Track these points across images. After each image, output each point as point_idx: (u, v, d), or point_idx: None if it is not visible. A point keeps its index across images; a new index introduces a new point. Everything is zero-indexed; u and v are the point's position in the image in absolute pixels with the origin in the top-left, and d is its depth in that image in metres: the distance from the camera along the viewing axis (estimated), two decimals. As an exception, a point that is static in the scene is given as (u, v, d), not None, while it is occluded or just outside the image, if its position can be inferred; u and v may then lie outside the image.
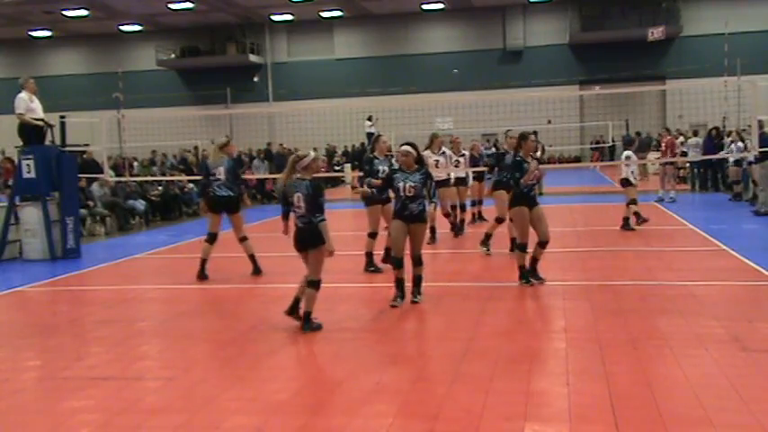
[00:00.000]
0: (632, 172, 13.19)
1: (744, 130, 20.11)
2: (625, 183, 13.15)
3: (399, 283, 7.73)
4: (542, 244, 8.40)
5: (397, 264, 7.68)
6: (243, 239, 9.95)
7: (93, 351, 6.75)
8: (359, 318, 7.37)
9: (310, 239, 6.70)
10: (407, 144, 7.86)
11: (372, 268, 9.72)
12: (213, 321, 7.60)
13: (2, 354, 6.74)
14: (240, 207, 9.96)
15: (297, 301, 6.90)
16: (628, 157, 13.57)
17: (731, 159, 17.95)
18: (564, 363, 5.70)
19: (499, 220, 11.00)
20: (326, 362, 5.74)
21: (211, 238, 9.80)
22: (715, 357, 5.67)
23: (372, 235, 9.74)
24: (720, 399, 4.80)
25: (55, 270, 11.20)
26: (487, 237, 10.97)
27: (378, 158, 9.70)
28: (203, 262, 9.79)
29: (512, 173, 8.55)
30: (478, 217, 14.74)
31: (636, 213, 12.86)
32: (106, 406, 5.16)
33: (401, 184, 7.62)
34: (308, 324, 6.69)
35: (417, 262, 7.75)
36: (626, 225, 12.83)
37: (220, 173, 9.70)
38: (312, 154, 6.86)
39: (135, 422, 4.81)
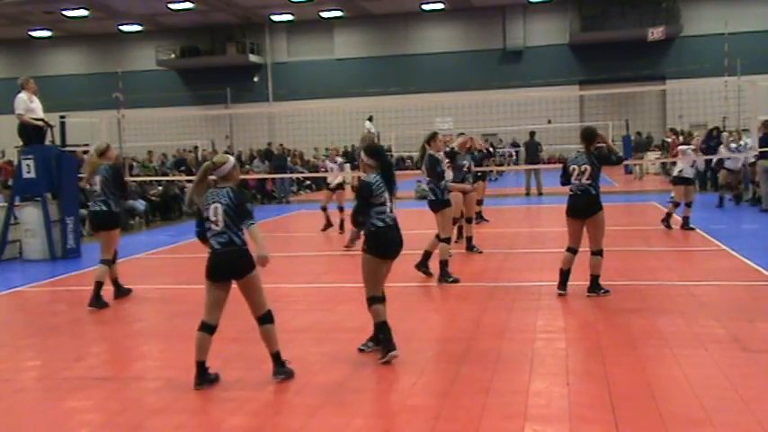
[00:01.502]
0: (682, 169, 12.79)
1: (745, 130, 20.11)
2: (681, 181, 12.78)
3: (383, 329, 5.87)
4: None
5: (380, 300, 5.93)
6: (104, 261, 8.54)
7: (93, 351, 6.76)
8: (358, 318, 7.35)
9: (235, 266, 5.32)
10: (369, 148, 6.23)
11: (450, 279, 8.88)
12: (213, 321, 7.58)
13: (2, 354, 6.74)
14: (118, 224, 8.67)
15: (202, 367, 5.37)
16: (683, 153, 13.23)
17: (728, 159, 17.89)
18: (564, 363, 5.70)
19: (469, 220, 11.01)
20: (326, 362, 5.74)
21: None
22: (715, 357, 5.66)
23: (447, 240, 8.99)
24: (720, 399, 4.80)
25: (55, 270, 11.20)
26: (469, 240, 11.01)
27: (440, 157, 9.09)
28: (115, 284, 8.74)
29: (615, 162, 8.14)
30: (479, 217, 14.68)
31: (668, 215, 12.65)
32: (106, 406, 5.16)
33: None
34: (281, 369, 5.42)
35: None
36: (686, 224, 12.54)
37: (95, 183, 8.42)
38: (231, 159, 5.56)
39: (135, 422, 4.81)
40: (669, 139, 21.91)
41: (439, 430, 4.48)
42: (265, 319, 5.43)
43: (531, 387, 5.14)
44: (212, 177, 5.47)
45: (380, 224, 5.74)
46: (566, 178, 7.99)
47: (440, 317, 7.53)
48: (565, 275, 7.88)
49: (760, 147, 14.60)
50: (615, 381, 5.17)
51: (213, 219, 5.32)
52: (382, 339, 5.82)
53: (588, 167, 7.75)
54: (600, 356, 5.75)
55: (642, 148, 28.37)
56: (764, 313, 7.03)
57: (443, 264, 8.87)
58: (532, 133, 23.23)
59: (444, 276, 8.85)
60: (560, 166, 8.42)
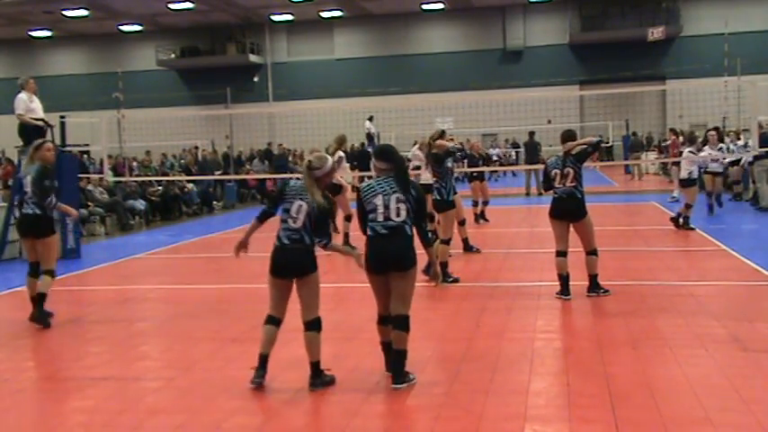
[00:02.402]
0: (691, 171, 12.76)
1: (746, 130, 20.11)
2: (686, 183, 12.81)
3: (388, 349, 5.40)
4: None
5: (382, 320, 5.41)
6: (47, 272, 7.54)
7: (92, 351, 6.75)
8: (358, 318, 7.37)
9: (300, 264, 5.22)
10: (379, 150, 5.57)
11: (451, 279, 8.92)
12: (213, 321, 7.60)
13: (2, 354, 6.74)
14: (52, 230, 7.63)
15: (265, 360, 5.35)
16: (688, 155, 13.19)
17: (727, 160, 17.87)
18: (564, 363, 5.70)
19: (462, 223, 10.80)
20: (326, 362, 5.73)
21: (32, 270, 7.64)
22: (715, 357, 5.67)
23: (447, 242, 9.03)
24: (720, 399, 4.80)
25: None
26: (465, 241, 10.95)
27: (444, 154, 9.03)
28: (37, 299, 7.50)
29: (592, 151, 8.00)
30: (480, 217, 14.54)
31: (686, 217, 12.51)
32: (106, 406, 5.16)
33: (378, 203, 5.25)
34: (317, 380, 5.23)
35: (401, 324, 5.22)
36: (686, 224, 12.47)
37: (27, 184, 7.56)
38: (330, 161, 5.35)
39: (135, 422, 4.81)
40: (669, 140, 21.89)
41: (439, 430, 4.48)
42: (312, 325, 5.28)
43: (531, 387, 5.14)
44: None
45: (369, 233, 5.29)
46: (548, 183, 7.93)
47: (440, 317, 7.52)
48: (565, 280, 7.77)
49: (760, 147, 14.60)
50: (615, 381, 5.17)
51: (294, 215, 5.19)
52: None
53: (570, 170, 7.74)
54: (600, 356, 5.75)
55: (637, 148, 28.35)
56: (764, 313, 7.03)
57: (443, 265, 8.87)
58: (532, 133, 23.25)
59: (444, 277, 8.85)
60: None
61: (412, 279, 5.26)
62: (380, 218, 5.21)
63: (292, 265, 5.23)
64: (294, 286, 5.30)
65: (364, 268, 5.32)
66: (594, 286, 7.81)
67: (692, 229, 12.36)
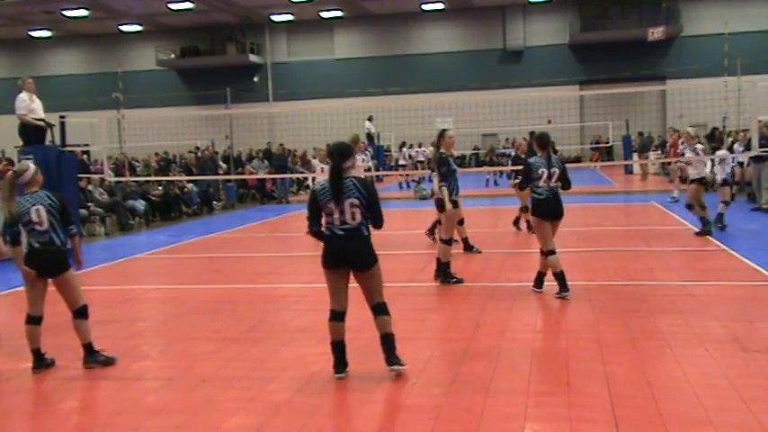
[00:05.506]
0: (727, 172, 12.71)
1: (745, 130, 20.11)
2: (723, 183, 12.70)
3: (338, 348, 5.56)
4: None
5: (335, 316, 5.59)
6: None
7: (93, 351, 6.74)
8: (357, 318, 7.34)
9: (51, 265, 5.87)
10: (329, 149, 5.55)
11: (454, 279, 8.81)
12: (213, 321, 7.60)
13: (2, 354, 6.75)
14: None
15: (38, 354, 5.99)
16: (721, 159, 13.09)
17: (736, 160, 17.82)
18: (564, 363, 5.70)
19: (461, 222, 10.61)
20: (326, 362, 5.74)
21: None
22: (715, 357, 5.67)
23: (449, 242, 8.92)
24: (720, 399, 4.80)
25: (55, 270, 11.18)
26: (465, 240, 10.90)
27: (449, 156, 8.94)
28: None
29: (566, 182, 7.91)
30: (514, 224, 13.48)
31: (720, 214, 12.36)
32: (106, 406, 5.17)
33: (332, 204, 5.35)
34: (93, 357, 5.95)
35: (380, 310, 5.51)
36: (721, 221, 12.38)
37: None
38: (32, 166, 5.95)
39: (135, 422, 4.81)
40: (670, 140, 21.90)
41: (439, 430, 4.48)
42: (81, 313, 6.00)
43: (531, 387, 5.14)
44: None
45: (327, 232, 5.39)
46: (528, 182, 7.88)
47: (440, 317, 7.52)
48: (562, 277, 7.79)
49: (761, 147, 14.60)
50: (615, 381, 5.17)
51: (36, 220, 5.80)
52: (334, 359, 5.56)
53: (557, 170, 7.75)
54: (600, 356, 5.76)
55: (646, 148, 28.33)
56: (764, 313, 7.03)
57: (446, 264, 8.87)
58: (532, 133, 23.17)
59: (447, 277, 8.82)
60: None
61: (377, 273, 5.47)
62: (337, 222, 5.33)
63: (46, 266, 5.88)
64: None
65: (322, 264, 5.47)
66: (539, 283, 8.05)
67: (726, 226, 12.25)
